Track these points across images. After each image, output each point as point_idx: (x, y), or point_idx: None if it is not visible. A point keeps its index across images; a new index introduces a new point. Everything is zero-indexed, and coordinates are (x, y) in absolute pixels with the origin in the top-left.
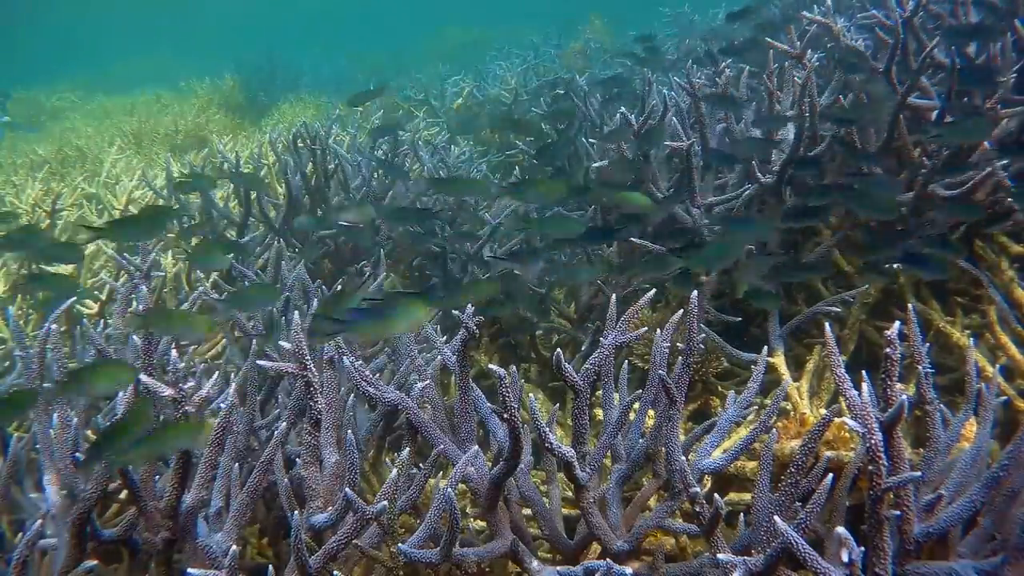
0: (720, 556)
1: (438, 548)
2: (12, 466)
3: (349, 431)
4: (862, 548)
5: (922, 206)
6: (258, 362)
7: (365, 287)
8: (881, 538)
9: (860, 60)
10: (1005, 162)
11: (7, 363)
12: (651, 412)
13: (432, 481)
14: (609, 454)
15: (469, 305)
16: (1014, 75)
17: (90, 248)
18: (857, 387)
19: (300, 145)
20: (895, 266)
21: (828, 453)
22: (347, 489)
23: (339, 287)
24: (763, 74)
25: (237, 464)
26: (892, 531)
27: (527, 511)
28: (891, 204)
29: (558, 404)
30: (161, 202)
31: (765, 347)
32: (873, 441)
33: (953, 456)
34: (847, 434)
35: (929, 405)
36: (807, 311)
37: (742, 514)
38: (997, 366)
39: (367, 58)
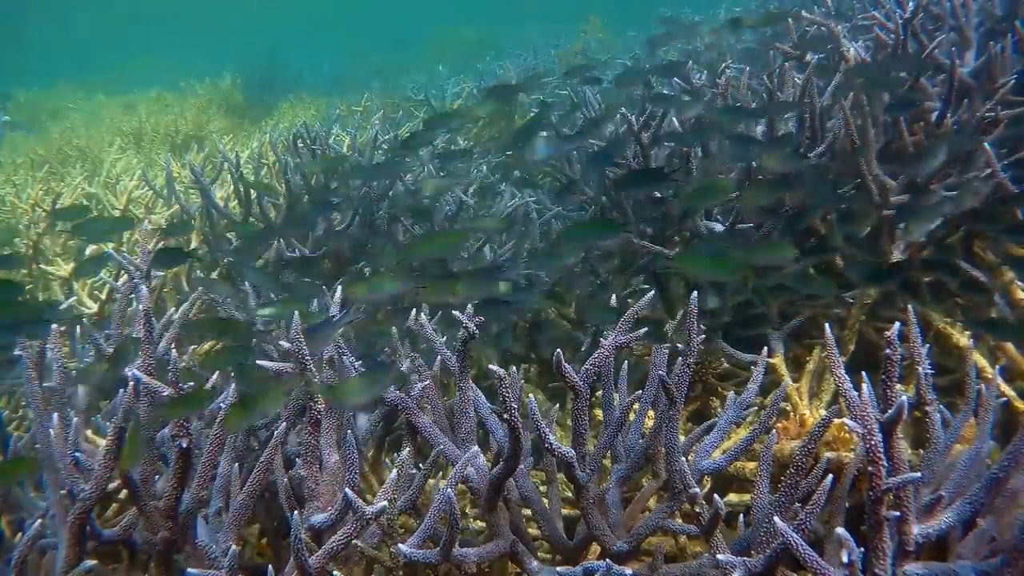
0: (720, 556)
1: (438, 548)
2: None
3: (349, 431)
4: (862, 549)
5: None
6: (258, 362)
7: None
8: (881, 539)
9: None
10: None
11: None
12: (651, 412)
13: (432, 481)
14: (609, 454)
15: (469, 306)
16: (1013, 77)
17: (90, 248)
18: (857, 388)
19: (300, 145)
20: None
21: (828, 454)
22: (347, 489)
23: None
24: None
25: (237, 464)
26: (892, 532)
27: (527, 511)
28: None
29: (558, 404)
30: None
31: (765, 348)
32: (873, 442)
33: (953, 457)
34: (847, 435)
35: (929, 406)
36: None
37: (742, 515)
38: (997, 367)
39: (368, 58)
